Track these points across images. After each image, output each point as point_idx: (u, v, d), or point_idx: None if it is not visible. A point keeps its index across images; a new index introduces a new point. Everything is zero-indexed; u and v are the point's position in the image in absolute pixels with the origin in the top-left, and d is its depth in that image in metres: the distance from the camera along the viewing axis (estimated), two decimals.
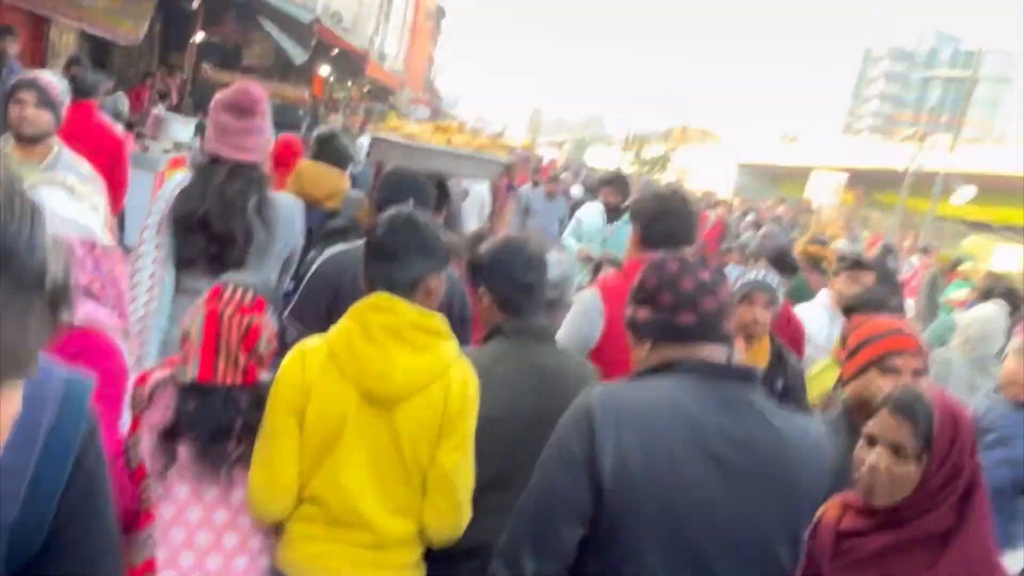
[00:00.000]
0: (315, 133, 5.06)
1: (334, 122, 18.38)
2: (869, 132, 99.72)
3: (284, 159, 4.68)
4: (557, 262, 2.79)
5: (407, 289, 1.97)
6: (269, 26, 12.84)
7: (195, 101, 11.38)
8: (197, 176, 2.79)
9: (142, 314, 2.68)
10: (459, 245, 2.96)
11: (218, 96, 2.85)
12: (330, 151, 4.51)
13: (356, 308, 1.96)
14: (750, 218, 13.90)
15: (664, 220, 2.69)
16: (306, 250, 3.33)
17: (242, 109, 2.78)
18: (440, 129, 4.09)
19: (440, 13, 55.40)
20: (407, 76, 40.02)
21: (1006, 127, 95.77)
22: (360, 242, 2.40)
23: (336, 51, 17.57)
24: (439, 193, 3.29)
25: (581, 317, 2.63)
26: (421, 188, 2.96)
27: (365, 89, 28.71)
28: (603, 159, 62.70)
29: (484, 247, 2.40)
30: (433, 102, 55.89)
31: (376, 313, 1.93)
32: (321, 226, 3.86)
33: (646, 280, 1.80)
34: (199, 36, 12.54)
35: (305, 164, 4.36)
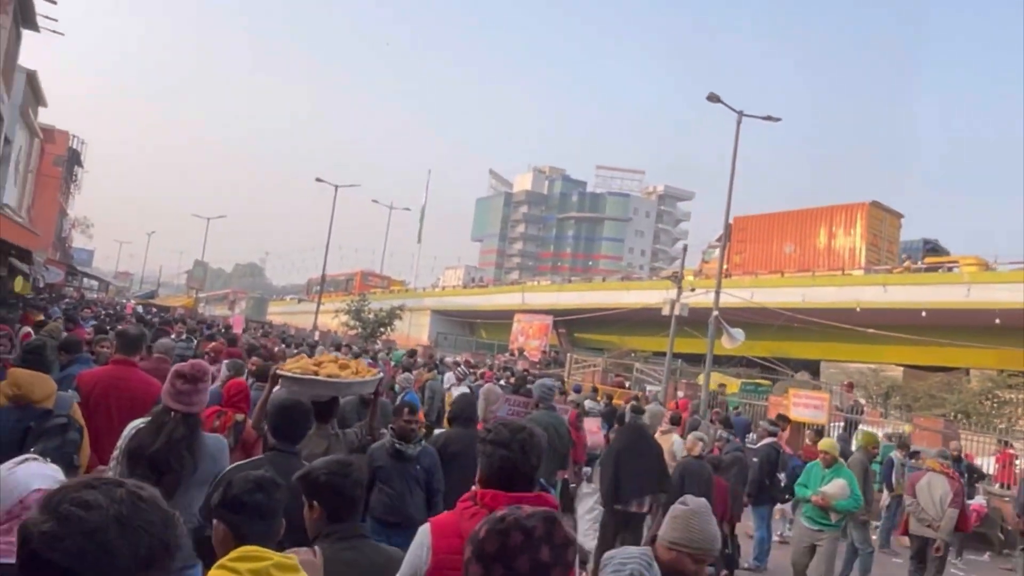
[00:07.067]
0: (25, 344, 5.34)
1: None
2: (519, 272, 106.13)
3: (236, 400, 5.65)
4: None
5: (276, 541, 2.46)
6: None
7: None
8: (152, 422, 3.72)
9: None
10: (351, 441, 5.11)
11: (174, 368, 3.85)
12: (41, 360, 4.89)
13: (225, 560, 2.10)
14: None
15: (504, 471, 2.76)
16: (26, 445, 4.15)
17: (192, 378, 3.76)
18: (318, 363, 5.38)
19: (73, 157, 46.88)
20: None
21: (632, 259, 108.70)
22: None
23: None
24: (332, 406, 5.10)
25: (415, 549, 2.76)
26: (305, 413, 4.05)
27: None
28: (290, 316, 57.16)
29: (317, 466, 2.92)
30: (65, 261, 46.58)
31: (245, 562, 2.08)
32: (40, 423, 4.41)
33: (486, 542, 1.81)
34: None
35: (19, 372, 4.74)
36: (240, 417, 5.59)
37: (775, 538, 10.52)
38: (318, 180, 42.60)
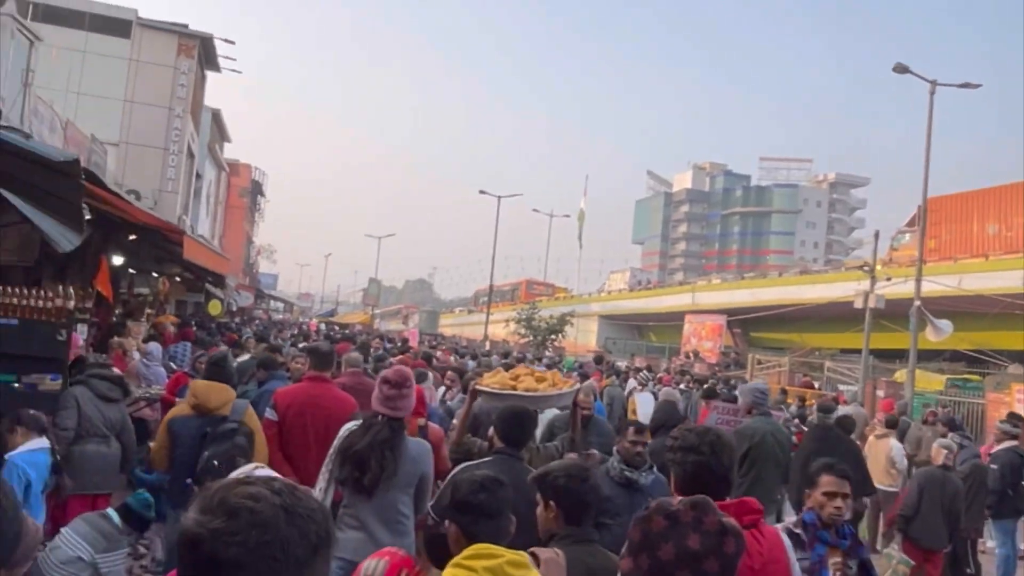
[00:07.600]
0: (210, 356, 5.94)
1: (136, 332, 12.73)
2: (683, 272, 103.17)
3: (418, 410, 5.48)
4: None
5: (507, 539, 2.39)
6: (16, 200, 7.41)
7: None
8: (363, 424, 4.06)
9: None
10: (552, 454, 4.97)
11: (381, 374, 4.20)
12: (221, 372, 5.40)
13: (459, 559, 2.16)
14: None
15: (698, 476, 2.71)
16: (203, 448, 4.93)
17: (397, 383, 4.03)
18: (515, 377, 5.21)
19: (256, 188, 50.48)
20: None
21: (804, 252, 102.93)
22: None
23: (132, 235, 12.20)
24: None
25: None
26: (532, 419, 4.43)
27: (176, 278, 22.89)
28: (459, 328, 58.56)
29: (554, 468, 3.04)
30: (253, 285, 50.05)
31: (479, 560, 2.13)
32: (215, 428, 4.98)
33: (632, 532, 1.78)
34: None
35: (198, 383, 5.26)
36: (422, 422, 5.75)
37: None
38: (481, 192, 43.33)
